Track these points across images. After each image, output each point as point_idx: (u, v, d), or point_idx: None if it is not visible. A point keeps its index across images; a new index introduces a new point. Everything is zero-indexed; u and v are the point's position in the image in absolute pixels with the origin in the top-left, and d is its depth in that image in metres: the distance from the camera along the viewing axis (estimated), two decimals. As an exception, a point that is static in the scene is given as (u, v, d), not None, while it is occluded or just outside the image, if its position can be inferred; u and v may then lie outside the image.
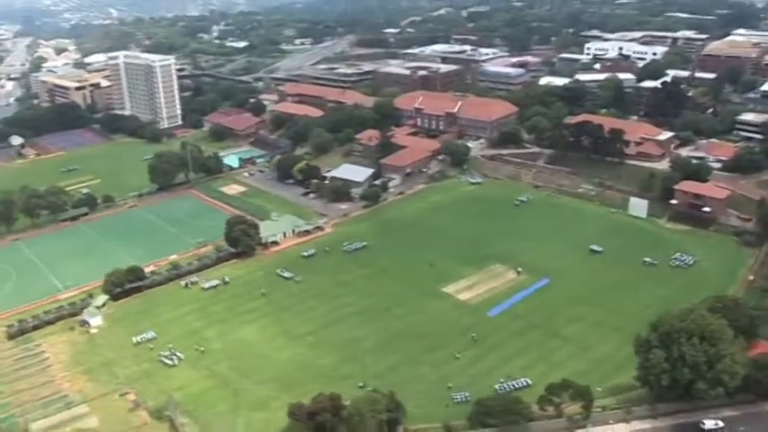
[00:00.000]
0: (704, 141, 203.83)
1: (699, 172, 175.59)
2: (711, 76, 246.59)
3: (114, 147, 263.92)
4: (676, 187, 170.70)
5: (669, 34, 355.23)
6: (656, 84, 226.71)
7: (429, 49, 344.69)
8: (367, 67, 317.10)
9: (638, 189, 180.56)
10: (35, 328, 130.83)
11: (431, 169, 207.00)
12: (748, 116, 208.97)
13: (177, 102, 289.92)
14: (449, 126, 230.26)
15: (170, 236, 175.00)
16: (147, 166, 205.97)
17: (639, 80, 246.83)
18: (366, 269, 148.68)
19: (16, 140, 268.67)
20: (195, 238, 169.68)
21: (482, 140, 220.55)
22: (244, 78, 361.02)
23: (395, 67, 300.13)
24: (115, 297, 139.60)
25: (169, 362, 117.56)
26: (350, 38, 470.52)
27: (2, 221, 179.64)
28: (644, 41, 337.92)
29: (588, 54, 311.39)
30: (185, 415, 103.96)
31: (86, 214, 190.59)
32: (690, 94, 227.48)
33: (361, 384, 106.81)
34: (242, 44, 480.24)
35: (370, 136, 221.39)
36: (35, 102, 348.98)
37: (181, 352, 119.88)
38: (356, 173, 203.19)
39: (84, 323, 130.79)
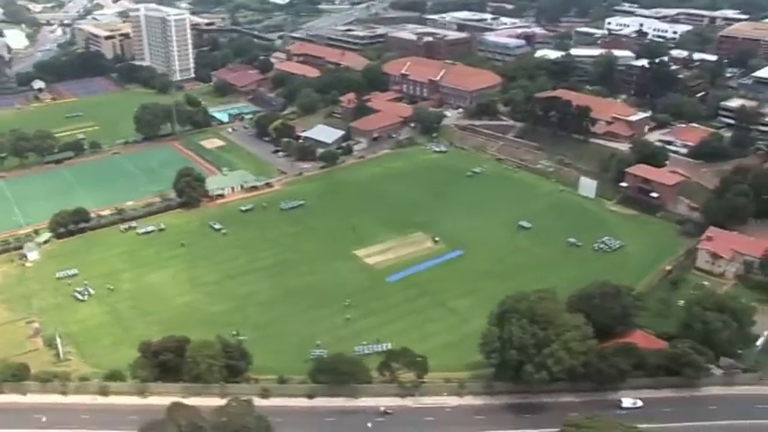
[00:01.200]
0: (682, 125, 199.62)
1: (655, 156, 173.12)
2: (712, 58, 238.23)
3: (125, 96, 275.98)
4: (627, 170, 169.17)
5: (706, 13, 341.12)
6: (644, 63, 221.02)
7: (449, 16, 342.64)
8: (382, 30, 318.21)
9: (597, 169, 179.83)
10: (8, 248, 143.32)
11: (401, 135, 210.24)
12: (732, 102, 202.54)
13: (190, 55, 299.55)
14: (431, 93, 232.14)
15: (136, 183, 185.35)
16: (133, 116, 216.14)
17: (638, 59, 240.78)
18: (294, 227, 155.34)
19: (37, 84, 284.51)
20: (158, 187, 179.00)
21: (460, 110, 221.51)
22: (268, 36, 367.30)
23: (405, 32, 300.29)
24: (59, 236, 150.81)
25: (80, 297, 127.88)
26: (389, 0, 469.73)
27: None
28: (674, 19, 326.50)
29: (608, 29, 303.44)
30: (74, 345, 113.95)
31: (70, 158, 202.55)
32: (681, 76, 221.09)
33: (234, 333, 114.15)
34: (284, 1, 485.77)
35: (349, 99, 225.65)
36: (73, 48, 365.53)
37: (93, 289, 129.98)
38: (327, 134, 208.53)
39: (23, 257, 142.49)
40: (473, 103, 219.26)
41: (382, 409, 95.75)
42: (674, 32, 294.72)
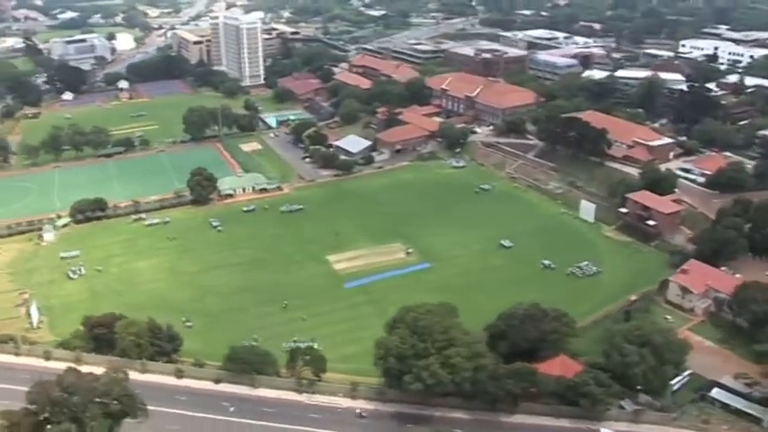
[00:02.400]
0: (712, 153, 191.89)
1: (661, 183, 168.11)
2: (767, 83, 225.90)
3: (194, 98, 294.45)
4: (628, 195, 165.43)
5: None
6: (683, 87, 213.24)
7: (522, 34, 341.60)
8: (446, 45, 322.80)
9: (606, 193, 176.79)
10: (9, 234, 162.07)
11: (425, 149, 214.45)
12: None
13: (260, 62, 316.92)
14: (467, 110, 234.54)
15: (167, 179, 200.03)
16: (182, 118, 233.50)
17: (688, 83, 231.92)
18: (283, 229, 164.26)
19: (122, 84, 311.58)
20: (184, 185, 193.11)
21: (492, 127, 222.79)
22: (346, 47, 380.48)
23: (467, 48, 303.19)
24: (78, 221, 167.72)
25: (72, 276, 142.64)
26: (480, 16, 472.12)
27: (51, 151, 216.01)
28: (763, 43, 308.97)
29: (677, 52, 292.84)
30: (49, 317, 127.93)
31: (120, 153, 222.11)
32: (724, 102, 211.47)
33: (184, 319, 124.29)
34: (379, 13, 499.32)
35: (383, 111, 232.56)
36: (169, 52, 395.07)
37: (85, 270, 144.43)
38: (355, 144, 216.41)
39: (41, 237, 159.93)
40: (503, 120, 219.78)
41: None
42: (751, 57, 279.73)
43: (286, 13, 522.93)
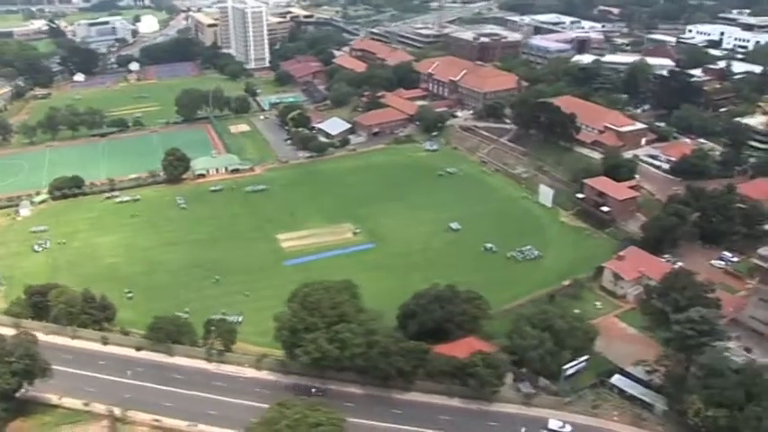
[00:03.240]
0: (686, 140, 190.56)
1: (619, 169, 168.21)
2: (757, 69, 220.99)
3: (199, 80, 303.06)
4: (585, 181, 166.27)
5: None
6: (664, 72, 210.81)
7: (528, 18, 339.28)
8: (448, 30, 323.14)
9: (570, 179, 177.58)
10: (2, 207, 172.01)
11: (403, 132, 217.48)
12: (751, 119, 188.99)
13: (265, 45, 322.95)
14: (451, 93, 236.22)
15: (153, 159, 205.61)
16: (175, 99, 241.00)
17: (678, 68, 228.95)
18: (244, 208, 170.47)
19: (133, 66, 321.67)
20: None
21: (472, 111, 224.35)
22: (355, 30, 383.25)
23: (467, 33, 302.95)
24: (55, 198, 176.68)
25: (37, 249, 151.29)
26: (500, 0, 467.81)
27: (48, 131, 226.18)
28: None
29: (680, 37, 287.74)
30: (8, 286, 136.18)
31: (113, 133, 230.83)
32: (706, 88, 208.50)
33: (127, 291, 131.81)
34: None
35: (381, 95, 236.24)
36: (188, 35, 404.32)
37: (50, 243, 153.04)
38: (336, 126, 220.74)
39: (17, 212, 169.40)
40: (483, 105, 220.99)
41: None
42: (758, 42, 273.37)
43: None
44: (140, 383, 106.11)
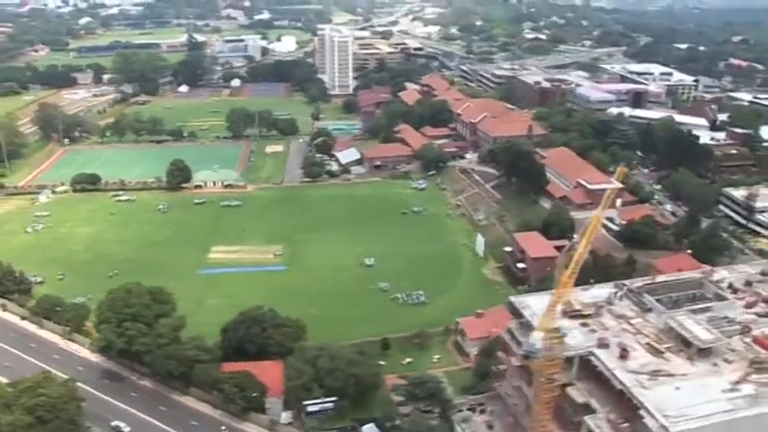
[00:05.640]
0: (667, 206, 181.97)
1: (555, 226, 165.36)
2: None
3: (281, 101, 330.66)
4: (514, 235, 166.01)
5: None
6: (670, 133, 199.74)
7: (618, 67, 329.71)
8: (522, 72, 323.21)
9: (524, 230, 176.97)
10: (24, 193, 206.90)
11: (405, 168, 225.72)
12: (733, 191, 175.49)
13: (350, 73, 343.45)
14: (471, 135, 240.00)
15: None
16: (225, 117, 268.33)
17: (714, 130, 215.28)
18: (209, 219, 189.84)
19: (235, 83, 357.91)
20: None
21: (477, 154, 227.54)
22: (449, 65, 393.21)
23: (534, 76, 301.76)
24: (75, 190, 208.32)
25: (28, 230, 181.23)
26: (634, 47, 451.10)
27: (116, 134, 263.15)
28: None
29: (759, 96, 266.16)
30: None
31: (167, 141, 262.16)
32: (718, 152, 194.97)
33: (60, 273, 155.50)
34: (531, 36, 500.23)
35: (399, 129, 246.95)
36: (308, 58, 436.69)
37: (41, 227, 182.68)
38: (348, 156, 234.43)
39: (37, 198, 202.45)
40: (488, 149, 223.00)
41: None
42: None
43: (453, 30, 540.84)
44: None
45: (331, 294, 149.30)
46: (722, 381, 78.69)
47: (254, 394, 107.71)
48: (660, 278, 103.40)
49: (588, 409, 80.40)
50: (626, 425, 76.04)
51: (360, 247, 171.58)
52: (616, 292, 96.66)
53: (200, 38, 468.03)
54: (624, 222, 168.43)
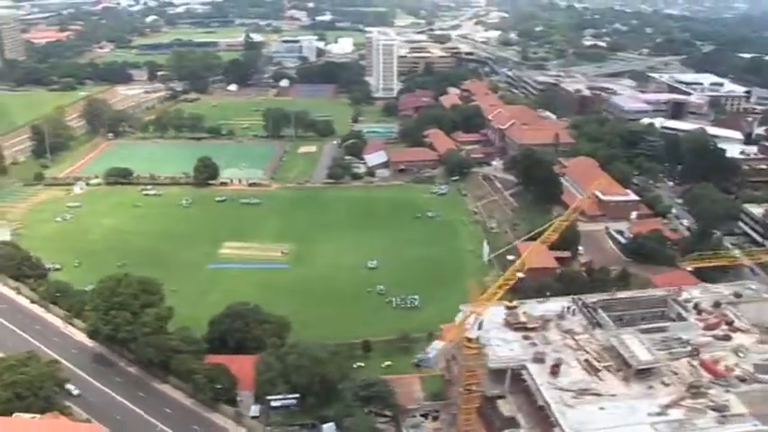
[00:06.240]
0: (684, 221, 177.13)
1: (562, 237, 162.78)
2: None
3: (326, 102, 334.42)
4: (517, 244, 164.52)
5: None
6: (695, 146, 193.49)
7: (666, 76, 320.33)
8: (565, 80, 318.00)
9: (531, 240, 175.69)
10: (62, 183, 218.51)
11: (430, 172, 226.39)
12: (752, 207, 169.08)
13: (394, 76, 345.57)
14: (500, 141, 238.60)
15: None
16: (261, 116, 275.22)
17: (747, 142, 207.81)
18: (227, 216, 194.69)
19: (283, 83, 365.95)
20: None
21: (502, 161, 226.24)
22: (498, 70, 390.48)
23: (576, 84, 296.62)
24: (108, 183, 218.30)
25: (58, 219, 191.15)
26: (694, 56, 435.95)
27: (158, 129, 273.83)
28: None
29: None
30: (18, 240, 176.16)
31: (206, 138, 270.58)
32: (746, 167, 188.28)
33: (77, 261, 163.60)
34: (590, 43, 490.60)
35: (428, 133, 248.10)
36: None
37: (69, 217, 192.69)
38: (375, 159, 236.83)
39: (72, 189, 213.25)
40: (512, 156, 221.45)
41: None
42: None
43: (512, 35, 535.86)
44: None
45: (327, 294, 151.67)
46: (653, 404, 77.47)
47: (219, 386, 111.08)
48: (621, 294, 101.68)
49: (514, 423, 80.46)
50: (543, 441, 75.90)
51: (366, 250, 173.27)
52: (569, 307, 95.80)
53: (258, 38, 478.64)
54: (630, 235, 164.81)
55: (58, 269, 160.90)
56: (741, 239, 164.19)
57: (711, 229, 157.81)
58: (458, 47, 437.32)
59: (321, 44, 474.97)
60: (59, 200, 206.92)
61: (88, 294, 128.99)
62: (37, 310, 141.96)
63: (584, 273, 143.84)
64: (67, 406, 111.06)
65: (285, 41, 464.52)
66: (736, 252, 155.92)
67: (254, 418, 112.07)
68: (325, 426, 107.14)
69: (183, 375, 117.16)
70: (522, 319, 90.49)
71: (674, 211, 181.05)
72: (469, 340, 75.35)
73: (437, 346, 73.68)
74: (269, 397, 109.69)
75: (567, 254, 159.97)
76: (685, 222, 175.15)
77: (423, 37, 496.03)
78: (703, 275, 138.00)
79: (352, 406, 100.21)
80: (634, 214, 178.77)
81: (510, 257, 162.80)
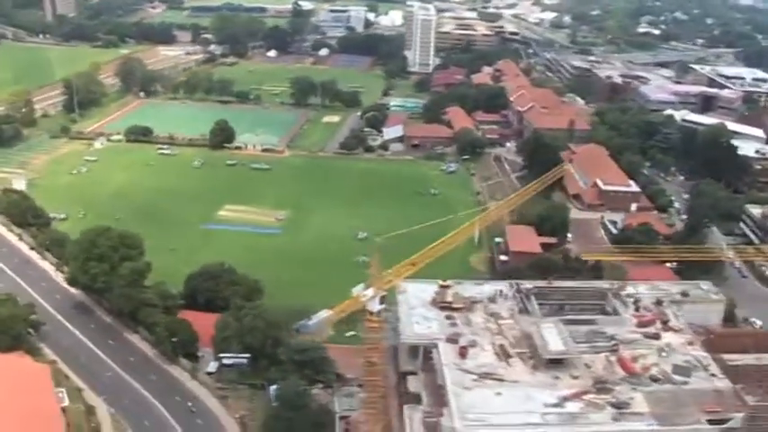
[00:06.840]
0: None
1: (548, 221, 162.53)
2: None
3: (361, 74, 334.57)
4: (507, 227, 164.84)
5: None
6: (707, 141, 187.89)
7: (708, 68, 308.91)
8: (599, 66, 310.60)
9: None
10: (85, 138, 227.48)
11: (443, 150, 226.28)
12: (753, 208, 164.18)
13: (431, 52, 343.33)
14: (518, 123, 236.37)
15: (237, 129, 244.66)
16: (289, 84, 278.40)
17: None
18: (235, 179, 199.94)
19: (323, 52, 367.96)
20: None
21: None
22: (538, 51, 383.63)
23: (610, 70, 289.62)
24: (128, 140, 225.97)
25: (73, 172, 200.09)
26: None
27: (189, 92, 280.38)
28: None
29: None
30: (31, 188, 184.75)
31: (232, 101, 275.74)
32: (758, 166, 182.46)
33: (82, 212, 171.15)
34: (643, 30, 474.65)
35: (447, 111, 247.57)
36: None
37: (84, 170, 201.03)
38: (392, 133, 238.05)
39: (92, 144, 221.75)
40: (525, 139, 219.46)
41: None
42: None
43: (566, 18, 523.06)
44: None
45: (310, 262, 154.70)
46: (552, 395, 77.38)
47: (175, 339, 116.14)
48: (560, 283, 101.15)
49: (418, 400, 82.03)
50: (433, 420, 77.29)
51: (359, 221, 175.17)
52: (501, 291, 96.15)
53: (308, 5, 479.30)
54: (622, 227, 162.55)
55: (63, 219, 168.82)
56: (739, 240, 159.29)
57: (704, 226, 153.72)
58: (503, 26, 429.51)
59: (371, 15, 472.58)
60: (79, 154, 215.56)
61: (69, 244, 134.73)
62: (33, 256, 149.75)
63: (561, 260, 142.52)
64: (39, 347, 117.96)
65: (333, 11, 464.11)
66: (730, 253, 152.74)
67: (210, 374, 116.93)
68: (271, 387, 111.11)
69: (149, 327, 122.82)
70: (449, 298, 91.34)
71: (677, 205, 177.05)
72: (371, 314, 77.07)
73: (321, 315, 75.47)
74: (221, 354, 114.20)
75: (553, 240, 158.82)
76: (685, 218, 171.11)
77: (472, 14, 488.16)
78: (685, 274, 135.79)
79: (287, 370, 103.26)
80: (634, 206, 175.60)
81: (498, 240, 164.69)
